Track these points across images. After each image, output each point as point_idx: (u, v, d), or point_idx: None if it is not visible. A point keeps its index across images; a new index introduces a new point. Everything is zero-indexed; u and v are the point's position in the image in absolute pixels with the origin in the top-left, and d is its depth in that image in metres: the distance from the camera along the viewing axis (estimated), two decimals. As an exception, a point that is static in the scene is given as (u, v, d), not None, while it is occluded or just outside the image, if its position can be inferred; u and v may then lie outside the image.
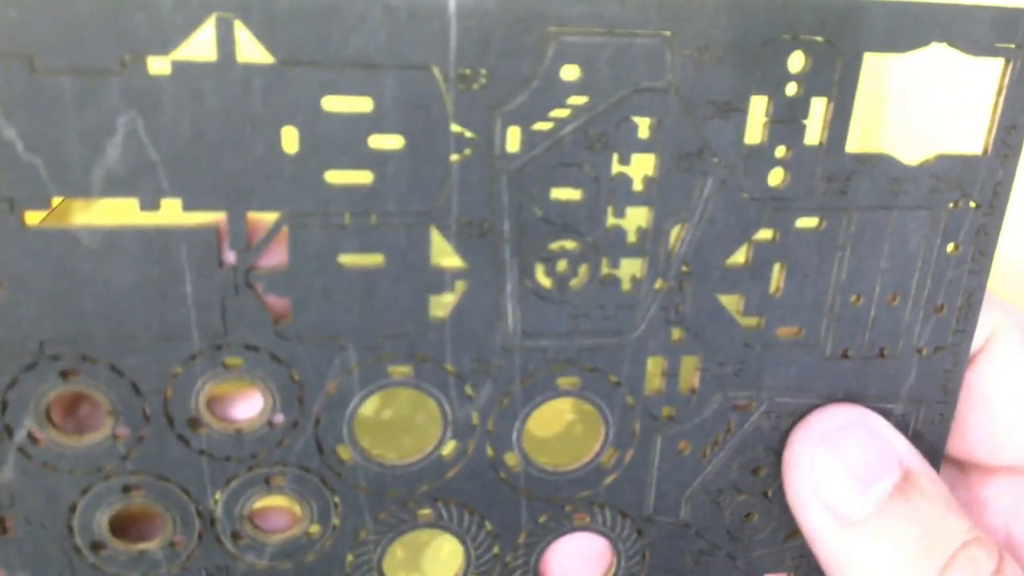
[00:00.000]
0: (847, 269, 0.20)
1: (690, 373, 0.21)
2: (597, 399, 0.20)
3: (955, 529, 0.20)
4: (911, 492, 0.20)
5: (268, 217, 0.17)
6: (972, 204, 0.20)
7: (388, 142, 0.17)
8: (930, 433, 0.22)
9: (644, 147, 0.18)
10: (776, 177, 0.19)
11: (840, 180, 0.19)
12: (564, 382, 0.20)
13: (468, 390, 0.20)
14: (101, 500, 0.19)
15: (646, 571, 0.23)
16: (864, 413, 0.21)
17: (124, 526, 0.20)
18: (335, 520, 0.20)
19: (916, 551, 0.19)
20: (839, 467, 0.20)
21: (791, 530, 0.23)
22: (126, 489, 0.19)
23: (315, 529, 0.20)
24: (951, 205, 0.20)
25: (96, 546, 0.20)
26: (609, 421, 0.21)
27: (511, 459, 0.21)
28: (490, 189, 0.18)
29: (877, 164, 0.19)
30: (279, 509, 0.21)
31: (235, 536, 0.20)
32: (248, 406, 0.20)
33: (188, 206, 0.17)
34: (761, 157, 0.19)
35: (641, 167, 0.18)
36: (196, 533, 0.20)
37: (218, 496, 0.20)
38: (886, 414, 0.21)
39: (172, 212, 0.17)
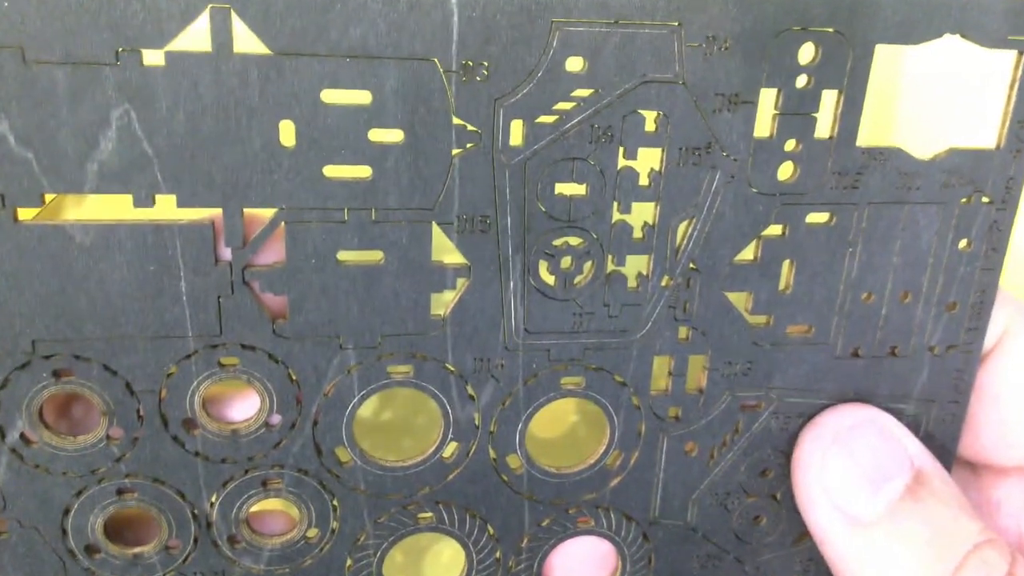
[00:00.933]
0: (858, 265, 0.20)
1: (697, 373, 0.20)
2: (602, 399, 0.20)
3: (967, 530, 0.19)
4: (923, 493, 0.20)
5: (265, 213, 0.17)
6: (985, 199, 0.19)
7: (388, 136, 0.17)
8: (942, 433, 0.22)
9: (651, 141, 0.18)
10: (786, 171, 0.19)
11: (851, 174, 0.19)
12: (568, 382, 0.20)
13: (470, 390, 0.19)
14: (95, 503, 0.19)
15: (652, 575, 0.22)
16: (875, 413, 0.21)
17: (119, 529, 0.20)
18: (334, 523, 0.20)
19: (928, 553, 0.19)
20: (850, 468, 0.20)
21: (800, 533, 0.22)
22: (120, 492, 0.19)
23: (313, 533, 0.20)
24: (963, 200, 0.19)
25: (90, 549, 0.19)
26: (614, 422, 0.20)
27: (514, 461, 0.20)
28: (492, 184, 0.17)
29: (888, 158, 0.19)
30: (276, 513, 0.21)
31: (231, 540, 0.20)
32: (244, 407, 0.19)
33: (183, 202, 0.16)
34: (770, 151, 0.18)
35: (647, 161, 0.18)
36: (192, 537, 0.19)
37: (214, 499, 0.19)
38: (897, 414, 0.21)
39: (167, 208, 0.16)
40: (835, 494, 0.20)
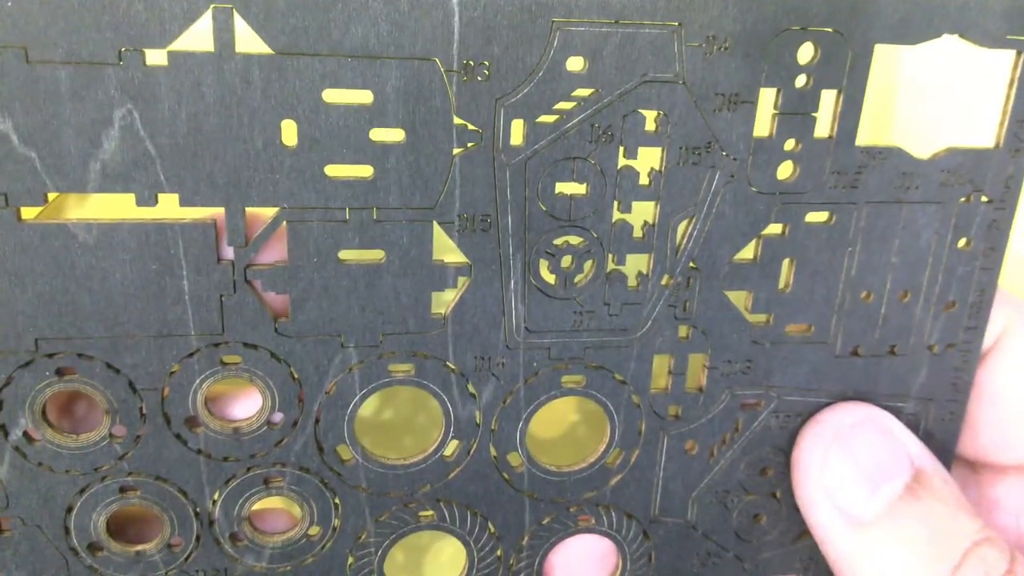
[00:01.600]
0: (857, 265, 0.20)
1: (697, 371, 0.20)
2: (602, 398, 0.20)
3: (966, 529, 0.19)
4: (922, 492, 0.20)
5: (267, 212, 0.17)
6: (984, 198, 0.19)
7: (389, 135, 0.17)
8: (941, 432, 0.22)
9: (651, 140, 0.18)
10: (785, 170, 0.19)
11: (850, 174, 0.19)
12: (568, 380, 0.20)
13: (471, 388, 0.19)
14: (98, 501, 0.19)
15: (652, 574, 0.22)
16: (875, 412, 0.21)
17: (121, 527, 0.20)
18: (335, 521, 0.20)
19: (927, 551, 0.19)
20: (850, 467, 0.20)
21: (800, 531, 0.22)
22: (123, 490, 0.19)
23: (315, 531, 0.20)
24: (962, 199, 0.19)
25: (93, 547, 0.19)
26: (615, 420, 0.20)
27: (514, 459, 0.20)
28: (493, 183, 0.17)
29: (887, 157, 0.19)
30: (278, 511, 0.21)
31: (233, 538, 0.20)
32: (247, 405, 0.19)
33: (185, 201, 0.17)
34: (770, 150, 0.18)
35: (648, 160, 0.18)
36: (194, 535, 0.19)
37: (216, 497, 0.19)
38: (896, 412, 0.21)
39: (169, 207, 0.17)
40: (835, 493, 0.20)
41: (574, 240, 0.18)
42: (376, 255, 0.18)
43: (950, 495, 0.20)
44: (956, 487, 0.20)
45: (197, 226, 0.17)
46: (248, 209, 0.17)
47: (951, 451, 0.22)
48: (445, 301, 0.19)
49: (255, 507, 0.20)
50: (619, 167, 0.18)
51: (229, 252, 0.17)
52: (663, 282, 0.19)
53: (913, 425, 0.21)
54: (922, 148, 0.19)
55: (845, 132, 0.18)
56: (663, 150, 0.18)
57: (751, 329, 0.20)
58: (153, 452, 0.19)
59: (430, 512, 0.21)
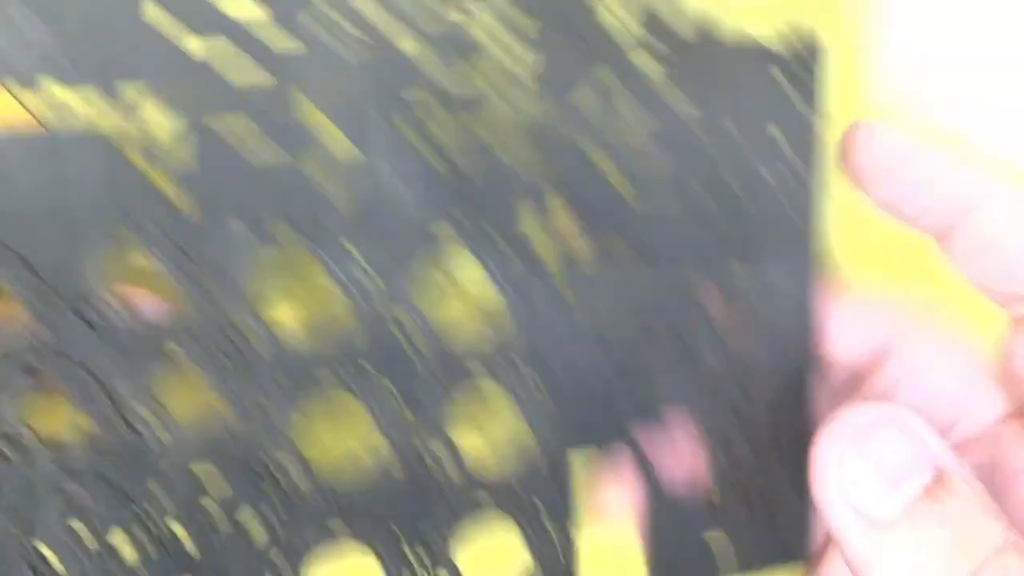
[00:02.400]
0: None
1: None
2: None
3: (988, 533, 0.19)
4: (943, 494, 0.19)
5: None
6: None
7: None
8: None
9: None
10: None
11: None
12: None
13: None
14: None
15: None
16: (895, 410, 0.21)
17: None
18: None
19: (947, 555, 0.18)
20: (868, 467, 0.19)
21: None
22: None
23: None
24: None
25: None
26: None
27: None
28: None
29: None
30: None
31: None
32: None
33: None
34: None
35: None
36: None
37: None
38: None
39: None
40: (852, 494, 0.19)
41: None
42: None
43: (973, 497, 0.19)
44: (980, 488, 0.20)
45: None
46: None
47: None
48: None
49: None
50: None
51: None
52: None
53: None
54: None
55: None
56: None
57: None
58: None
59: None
